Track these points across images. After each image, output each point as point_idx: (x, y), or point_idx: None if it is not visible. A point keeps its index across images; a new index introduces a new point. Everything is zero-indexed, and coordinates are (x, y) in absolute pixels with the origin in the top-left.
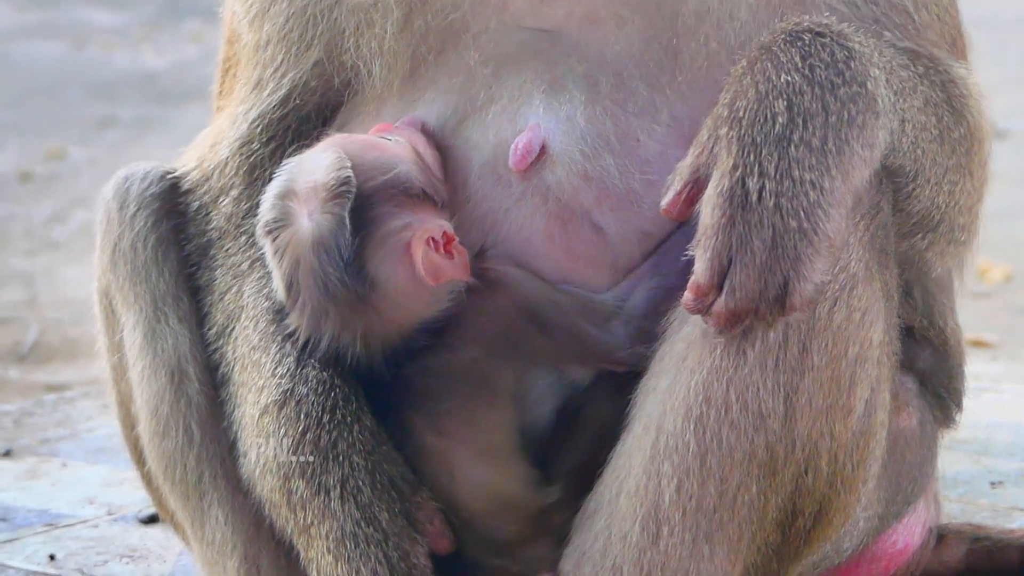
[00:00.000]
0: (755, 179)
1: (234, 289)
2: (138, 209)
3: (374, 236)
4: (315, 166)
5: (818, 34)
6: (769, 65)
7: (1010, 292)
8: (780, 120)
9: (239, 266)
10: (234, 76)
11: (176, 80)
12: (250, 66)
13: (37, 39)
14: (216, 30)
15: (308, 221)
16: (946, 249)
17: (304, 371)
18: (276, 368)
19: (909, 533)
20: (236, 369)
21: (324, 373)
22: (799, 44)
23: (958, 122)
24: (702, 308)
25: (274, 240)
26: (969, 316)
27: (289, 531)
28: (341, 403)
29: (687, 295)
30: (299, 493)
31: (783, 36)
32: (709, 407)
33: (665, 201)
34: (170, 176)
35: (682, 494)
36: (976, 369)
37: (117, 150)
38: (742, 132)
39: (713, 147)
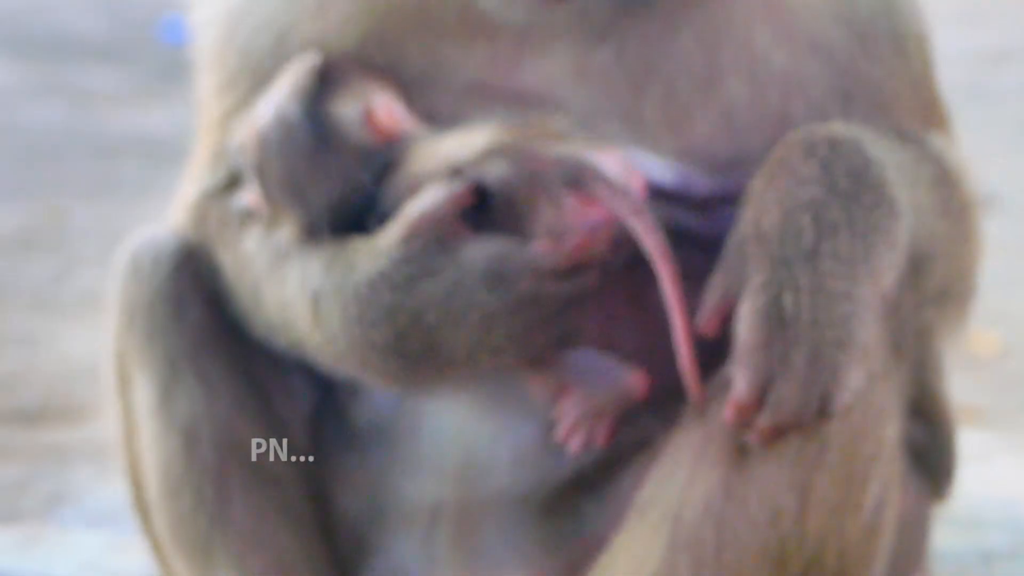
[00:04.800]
0: (790, 295)
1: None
2: (153, 267)
3: (338, 94)
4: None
5: (834, 144)
6: (790, 180)
7: (1002, 362)
8: (808, 235)
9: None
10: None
11: (178, 141)
12: (213, 137)
13: (38, 100)
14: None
15: (271, 106)
16: (950, 316)
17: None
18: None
19: None
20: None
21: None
22: (817, 156)
23: (954, 192)
24: (744, 424)
25: (240, 146)
26: (960, 386)
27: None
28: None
29: (728, 412)
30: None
31: (799, 149)
32: (729, 502)
33: (698, 319)
34: (178, 232)
35: None
36: (967, 441)
37: (118, 212)
38: (771, 249)
39: (742, 265)
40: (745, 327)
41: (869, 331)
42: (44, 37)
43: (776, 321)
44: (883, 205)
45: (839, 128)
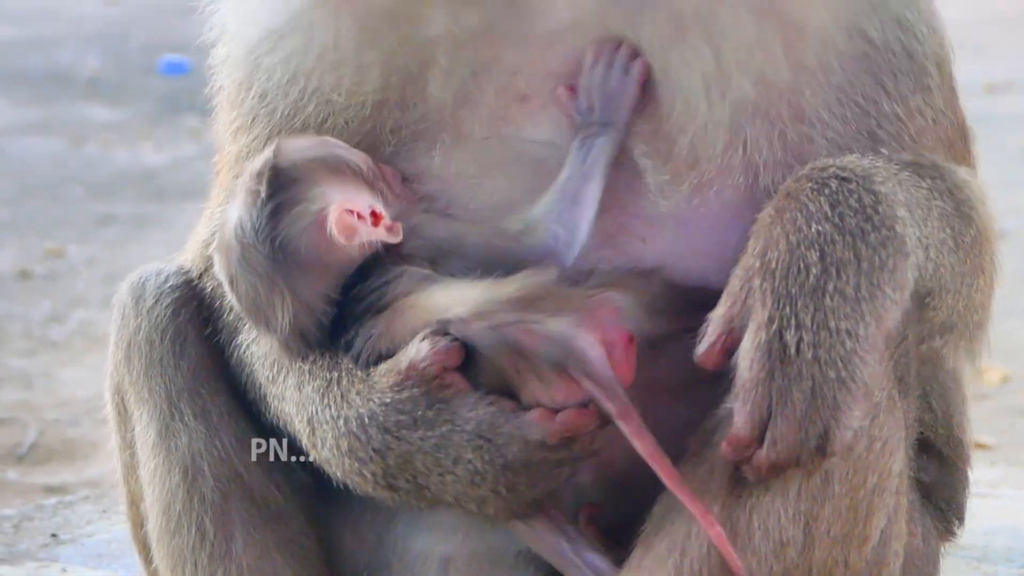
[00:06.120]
0: (792, 332)
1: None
2: (156, 301)
3: (290, 204)
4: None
5: (844, 180)
6: (799, 215)
7: (1008, 394)
8: (814, 271)
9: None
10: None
11: (174, 177)
12: (229, 175)
13: (35, 136)
14: (214, 127)
15: (232, 211)
16: (959, 344)
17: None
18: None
19: None
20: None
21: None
22: (827, 192)
23: (968, 226)
24: (742, 459)
25: (215, 248)
26: None
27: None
28: None
29: (726, 447)
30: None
31: (810, 184)
32: (732, 534)
33: (700, 351)
34: (184, 271)
35: None
36: (974, 474)
37: (115, 248)
38: (776, 284)
39: (746, 299)
40: (745, 363)
41: (872, 370)
42: (41, 73)
43: (777, 358)
44: (891, 243)
45: (851, 161)
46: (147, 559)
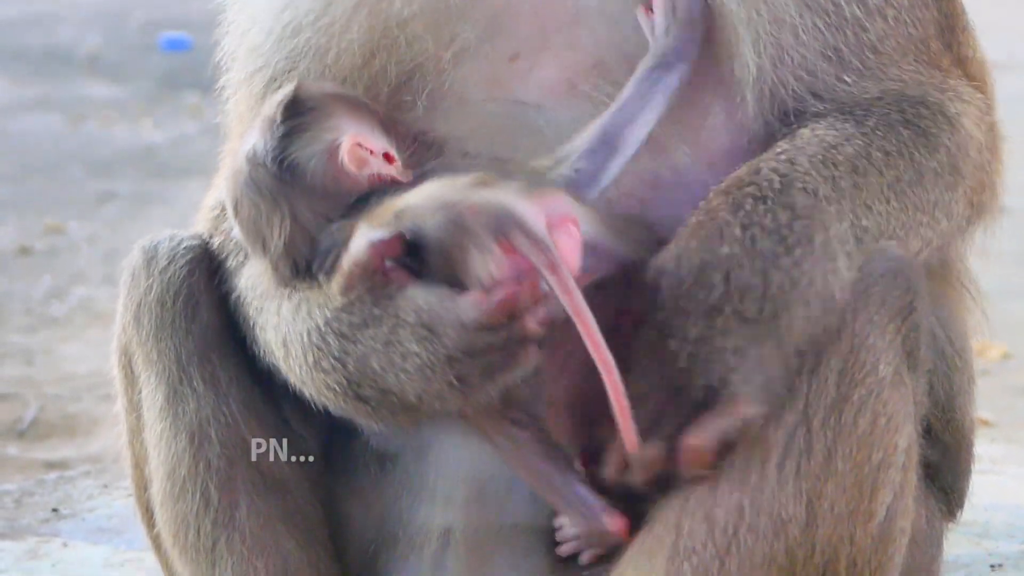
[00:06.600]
0: (676, 341)
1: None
2: (170, 262)
3: (303, 129)
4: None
5: (759, 199)
6: (713, 235)
7: (1008, 371)
8: (716, 292)
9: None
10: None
11: (175, 154)
12: (234, 136)
13: (35, 113)
14: (215, 105)
15: (246, 142)
16: (963, 236)
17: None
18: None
19: None
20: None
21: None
22: (740, 214)
23: (934, 151)
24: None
25: (225, 179)
26: None
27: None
28: None
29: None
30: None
31: (726, 205)
32: (723, 510)
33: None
34: (197, 235)
35: None
36: (975, 450)
37: (116, 225)
38: (676, 294)
39: (655, 291)
40: (636, 349)
41: (757, 386)
42: (40, 50)
43: (655, 357)
44: (807, 260)
45: (772, 170)
46: (150, 523)
